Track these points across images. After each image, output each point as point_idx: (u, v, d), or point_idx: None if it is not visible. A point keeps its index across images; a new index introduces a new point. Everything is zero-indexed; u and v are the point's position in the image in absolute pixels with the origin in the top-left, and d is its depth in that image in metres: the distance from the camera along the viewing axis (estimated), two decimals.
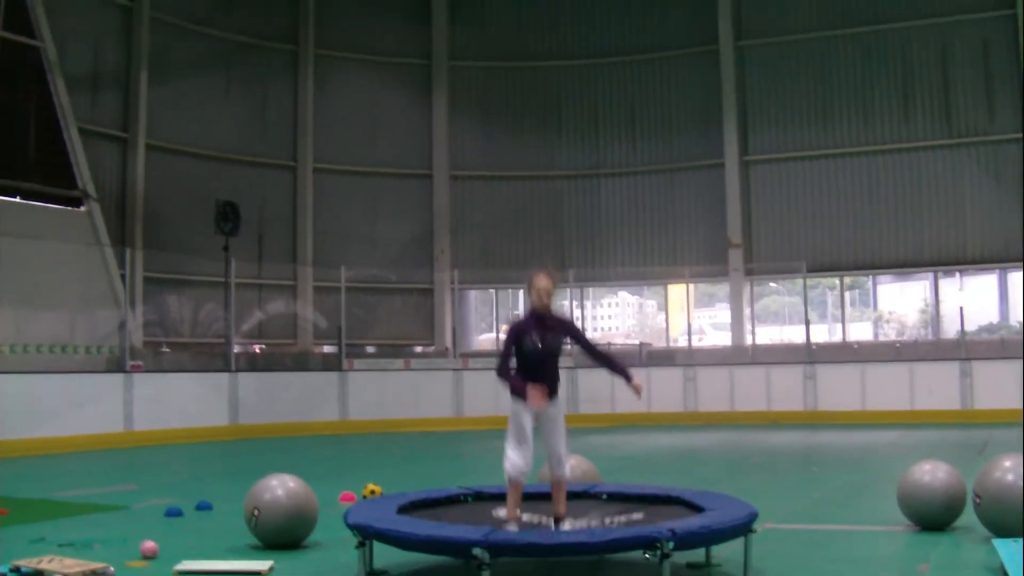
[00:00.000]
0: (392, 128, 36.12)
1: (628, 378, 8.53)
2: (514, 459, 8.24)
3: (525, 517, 8.76)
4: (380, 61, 35.90)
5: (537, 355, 8.36)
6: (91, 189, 27.75)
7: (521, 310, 37.64)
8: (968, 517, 9.98)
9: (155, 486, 15.33)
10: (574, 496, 8.98)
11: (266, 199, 33.72)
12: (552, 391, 8.33)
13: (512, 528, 8.12)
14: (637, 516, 8.84)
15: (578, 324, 8.40)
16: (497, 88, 36.69)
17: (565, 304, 31.75)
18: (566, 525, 8.40)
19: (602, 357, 8.66)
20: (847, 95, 33.61)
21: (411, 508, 8.96)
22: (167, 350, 29.23)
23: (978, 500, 9.43)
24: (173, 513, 11.87)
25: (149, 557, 9.20)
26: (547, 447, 8.49)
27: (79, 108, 28.50)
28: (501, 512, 8.74)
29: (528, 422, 8.31)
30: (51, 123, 27.56)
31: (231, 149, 33.16)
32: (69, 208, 27.44)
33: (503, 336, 8.74)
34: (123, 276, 26.71)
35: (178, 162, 31.87)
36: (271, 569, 8.76)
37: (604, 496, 9.57)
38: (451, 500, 9.56)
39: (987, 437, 21.21)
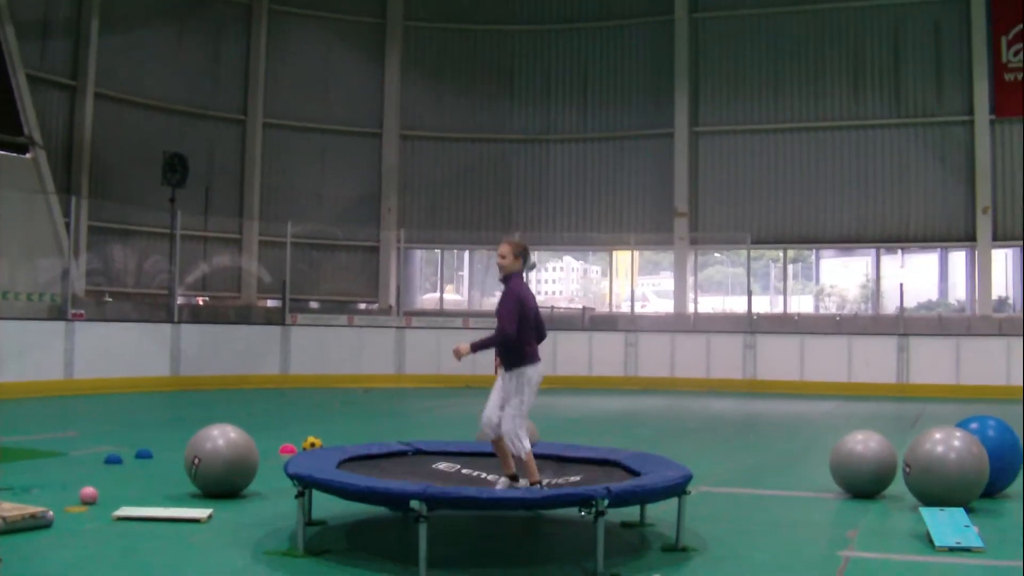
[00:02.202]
0: (344, 86, 35.92)
1: (473, 344, 8.66)
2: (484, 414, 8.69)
3: (464, 471, 8.93)
4: (334, 18, 35.62)
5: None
6: (38, 136, 27.43)
7: (466, 270, 37.77)
8: (898, 486, 10.20)
9: (95, 434, 15.29)
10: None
11: (215, 152, 33.48)
12: (502, 357, 8.72)
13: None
14: (574, 479, 8.97)
15: (510, 298, 8.36)
16: (450, 50, 36.55)
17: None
18: (500, 483, 8.56)
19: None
20: (799, 71, 33.77)
21: (351, 461, 9.04)
22: (110, 300, 29.00)
23: (908, 470, 9.65)
24: (113, 460, 11.89)
25: (88, 503, 9.24)
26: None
27: (28, 55, 28.14)
28: (442, 466, 9.03)
29: (497, 382, 8.82)
30: None
31: (181, 101, 32.86)
32: (14, 155, 27.08)
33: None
34: (68, 224, 26.43)
35: (127, 112, 31.55)
36: (210, 517, 8.83)
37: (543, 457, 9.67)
38: (391, 455, 9.62)
39: (921, 410, 21.56)
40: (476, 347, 8.62)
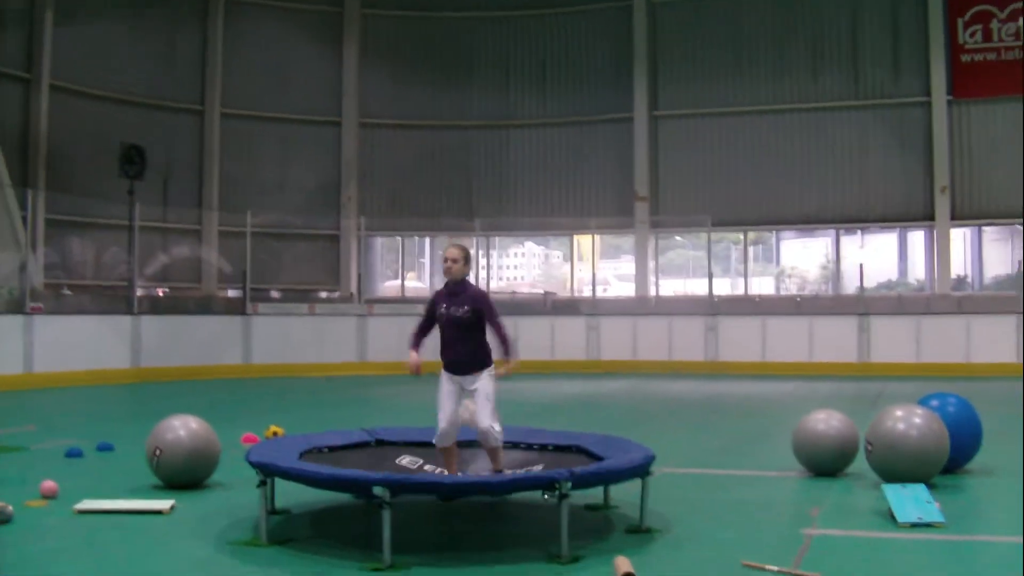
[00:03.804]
0: (302, 74, 35.72)
1: (508, 357, 8.83)
2: (439, 426, 8.76)
3: (427, 467, 8.98)
4: (291, 7, 35.39)
5: (441, 323, 8.81)
6: None
7: (427, 257, 37.71)
8: (860, 464, 10.28)
9: (55, 427, 15.22)
10: (474, 444, 9.10)
11: (172, 143, 33.19)
12: (462, 363, 8.74)
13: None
14: (536, 467, 8.99)
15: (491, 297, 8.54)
16: (408, 37, 36.38)
17: (471, 253, 31.66)
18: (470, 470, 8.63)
19: (497, 336, 8.84)
20: (758, 54, 33.78)
21: (313, 449, 9.02)
22: (69, 293, 28.80)
23: (870, 448, 9.71)
24: (73, 454, 11.83)
25: (48, 496, 9.18)
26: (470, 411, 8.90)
27: None
28: (406, 460, 9.10)
29: (442, 388, 8.81)
30: None
31: (137, 92, 32.57)
32: None
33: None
34: (24, 218, 26.22)
35: (83, 104, 31.25)
36: (172, 508, 8.80)
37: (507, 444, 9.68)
38: (355, 445, 9.59)
39: (881, 389, 21.70)
40: (509, 356, 8.85)
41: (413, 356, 8.90)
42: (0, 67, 29.06)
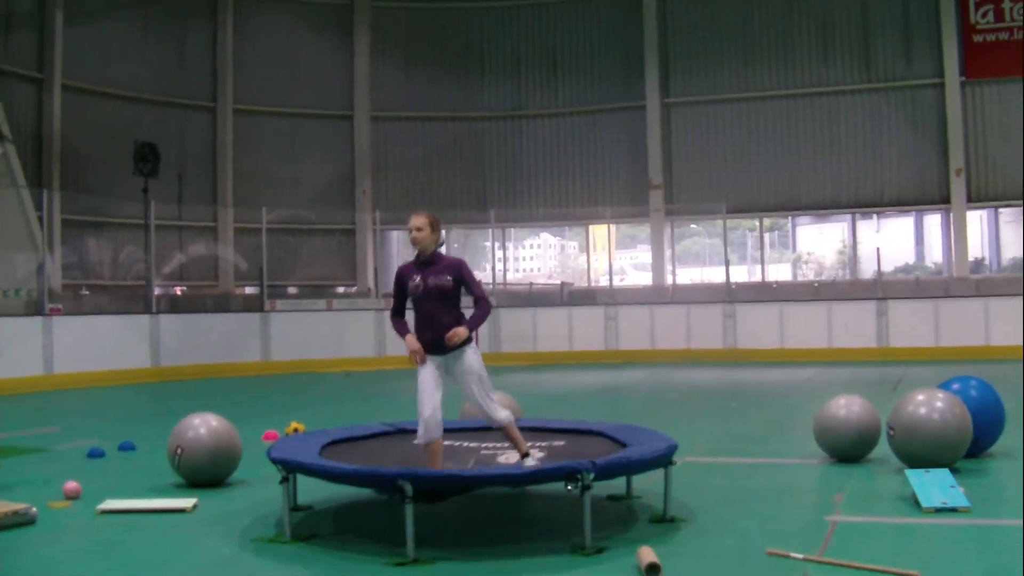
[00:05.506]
0: (313, 69, 35.77)
1: (469, 325, 8.16)
2: (421, 414, 8.12)
3: (447, 443, 8.58)
4: (301, 1, 35.48)
5: (416, 298, 8.27)
6: (6, 130, 27.27)
7: (443, 249, 37.57)
8: (882, 449, 10.23)
9: (77, 428, 15.24)
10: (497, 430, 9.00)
11: (186, 140, 33.32)
12: (445, 341, 8.11)
13: None
14: (559, 443, 8.97)
15: (477, 267, 8.06)
16: (419, 29, 36.40)
17: (487, 245, 31.74)
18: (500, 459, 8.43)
19: (480, 307, 8.27)
20: (768, 39, 33.74)
21: (334, 444, 8.98)
22: (87, 293, 28.91)
23: (892, 432, 9.66)
24: (95, 454, 11.84)
25: (72, 497, 9.19)
26: (470, 401, 8.52)
27: None
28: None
29: (422, 372, 8.23)
30: None
31: (150, 90, 32.67)
32: None
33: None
34: (40, 218, 26.29)
35: (95, 103, 31.36)
36: (195, 506, 8.80)
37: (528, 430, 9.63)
38: (374, 436, 9.56)
39: (901, 373, 21.63)
40: (472, 328, 8.16)
41: (412, 340, 8.18)
42: (12, 68, 29.15)
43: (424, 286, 8.20)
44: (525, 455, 8.40)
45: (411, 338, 8.21)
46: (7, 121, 27.42)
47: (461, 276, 8.22)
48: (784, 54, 33.57)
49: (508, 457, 8.82)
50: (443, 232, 8.55)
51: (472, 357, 8.26)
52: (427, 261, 8.32)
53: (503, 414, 8.33)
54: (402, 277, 8.37)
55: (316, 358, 27.41)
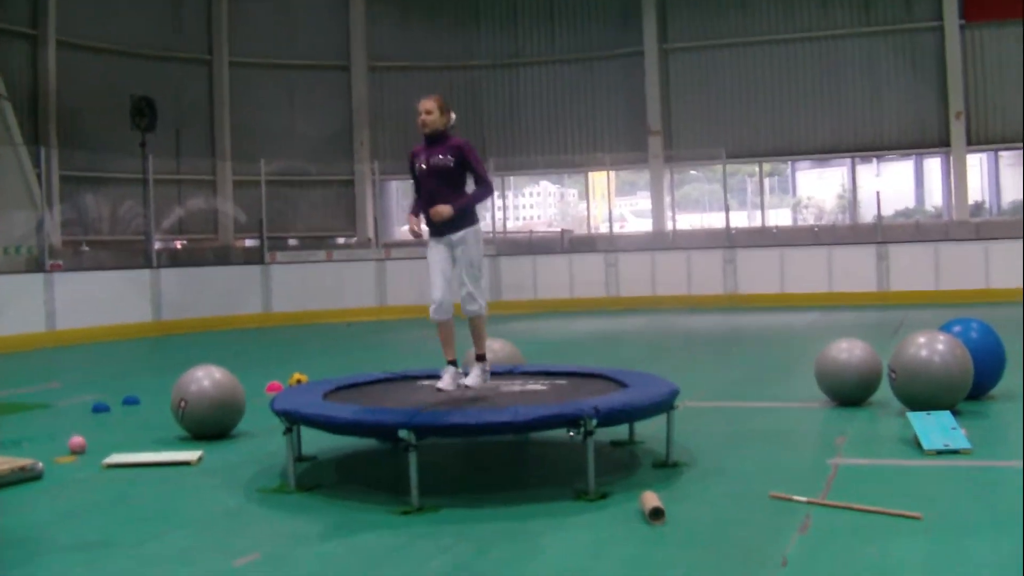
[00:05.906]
0: (309, 20, 35.55)
1: (461, 204, 8.11)
2: (432, 298, 8.13)
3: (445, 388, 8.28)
4: None
5: (421, 179, 8.27)
6: (2, 88, 27.12)
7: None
8: (883, 392, 10.28)
9: (80, 384, 15.29)
10: (497, 376, 9.01)
11: (182, 94, 33.14)
12: (438, 218, 8.07)
13: (447, 382, 8.12)
14: (561, 383, 8.98)
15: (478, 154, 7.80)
16: None
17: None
18: (473, 374, 8.23)
19: (481, 185, 8.25)
20: None
21: (336, 393, 8.96)
22: (87, 248, 28.88)
23: (893, 375, 9.70)
24: (100, 409, 11.88)
25: (77, 452, 9.24)
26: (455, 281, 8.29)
27: None
28: (426, 382, 8.84)
29: (431, 257, 8.25)
30: None
31: (145, 44, 32.45)
32: None
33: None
34: (39, 175, 26.19)
35: (91, 58, 31.17)
36: (200, 459, 8.84)
37: (529, 373, 9.64)
38: (376, 383, 9.51)
39: (902, 317, 21.65)
40: (460, 208, 8.07)
41: (412, 219, 8.31)
42: (6, 25, 28.93)
43: (428, 166, 8.19)
44: (479, 357, 8.27)
45: (411, 217, 8.34)
46: (2, 78, 27.28)
47: (463, 156, 8.17)
48: None
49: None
50: (453, 115, 8.45)
51: (471, 243, 8.18)
52: (433, 141, 8.27)
53: (476, 305, 8.16)
54: (412, 158, 8.37)
55: (317, 309, 27.41)
